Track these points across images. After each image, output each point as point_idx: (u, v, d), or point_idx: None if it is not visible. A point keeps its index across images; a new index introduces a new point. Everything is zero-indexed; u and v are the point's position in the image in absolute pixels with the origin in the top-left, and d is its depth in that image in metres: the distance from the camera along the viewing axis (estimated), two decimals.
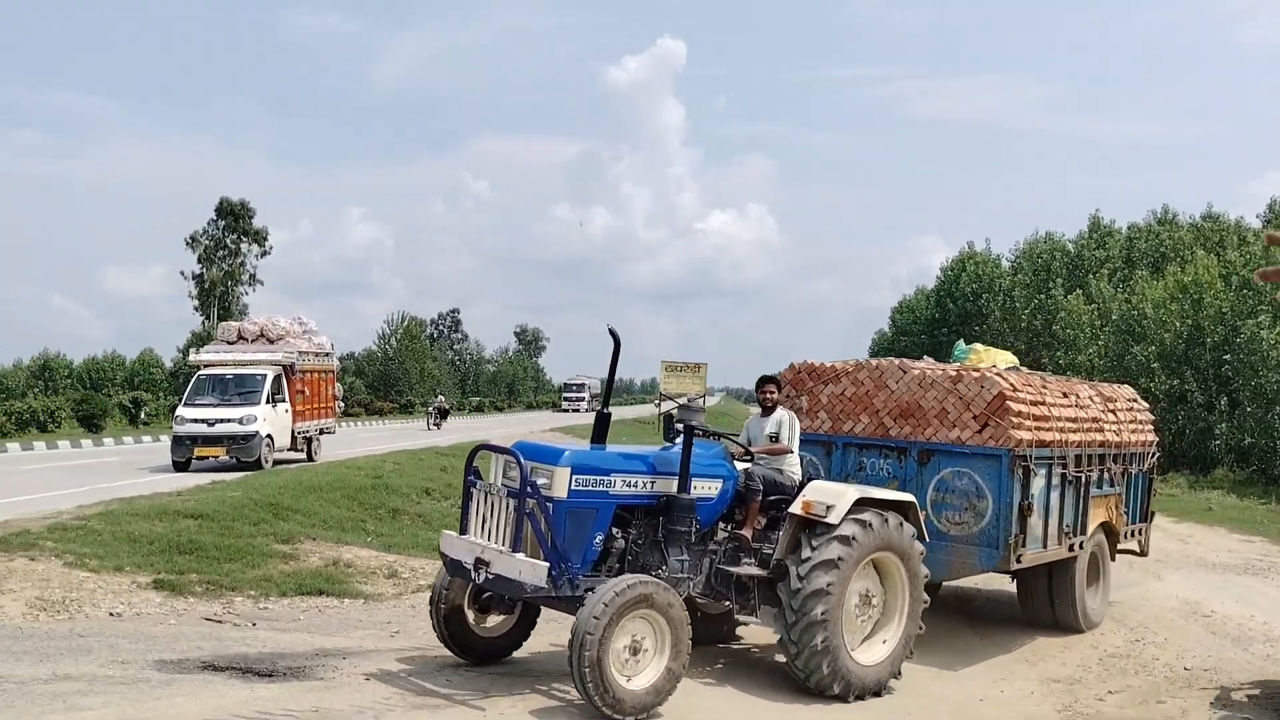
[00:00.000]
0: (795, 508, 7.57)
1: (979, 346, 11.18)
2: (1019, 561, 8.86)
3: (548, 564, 6.51)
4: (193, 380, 22.32)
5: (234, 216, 52.50)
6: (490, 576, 6.59)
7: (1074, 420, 9.77)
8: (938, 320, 48.78)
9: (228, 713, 5.93)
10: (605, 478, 6.91)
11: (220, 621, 8.78)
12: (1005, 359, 10.99)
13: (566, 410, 76.86)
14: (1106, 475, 10.42)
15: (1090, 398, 10.48)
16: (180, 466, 20.37)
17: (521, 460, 6.60)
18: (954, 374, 9.23)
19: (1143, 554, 11.77)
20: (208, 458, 20.62)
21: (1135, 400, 11.64)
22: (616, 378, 7.83)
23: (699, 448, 7.67)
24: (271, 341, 23.32)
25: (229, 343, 23.54)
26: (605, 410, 7.58)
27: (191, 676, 6.82)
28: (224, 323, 28.39)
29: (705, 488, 7.45)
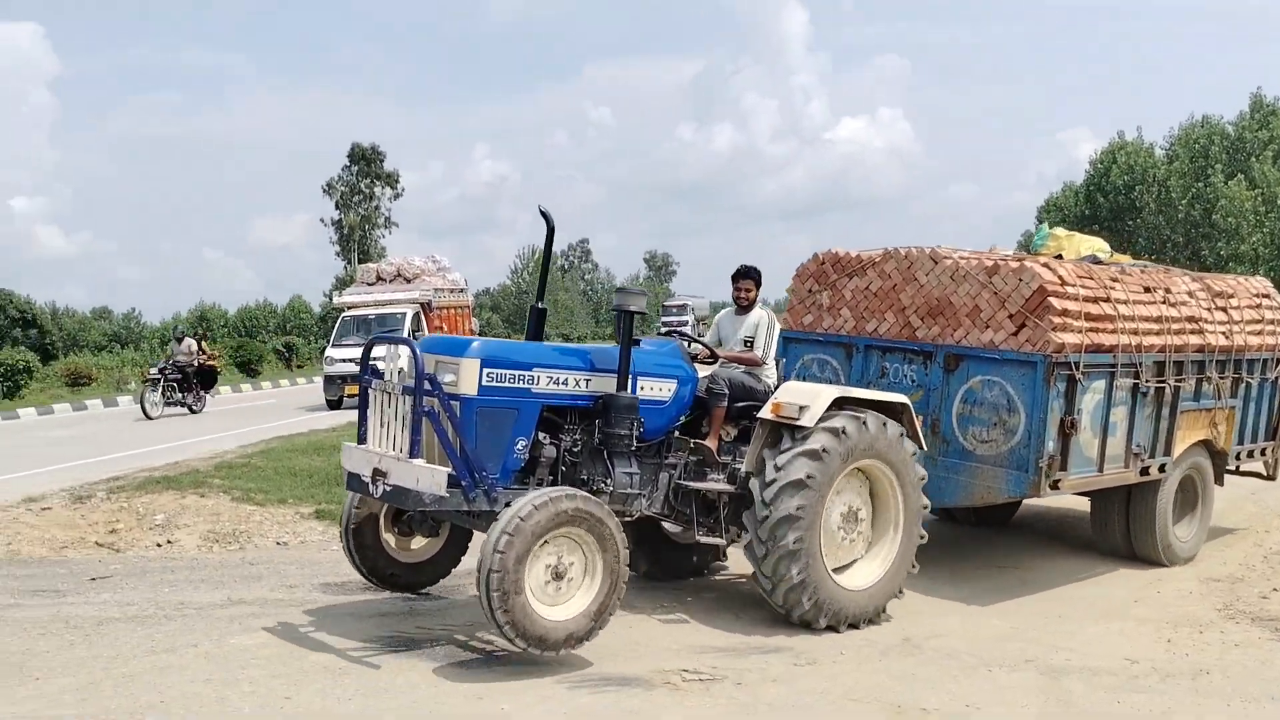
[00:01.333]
0: (765, 411, 6.65)
1: (1059, 232, 9.66)
2: (1055, 488, 7.64)
3: (447, 470, 5.74)
4: (338, 322, 23.43)
5: (366, 161, 53.89)
6: (388, 489, 5.87)
7: (1157, 320, 8.33)
8: (1087, 217, 45.35)
9: (390, 629, 6.45)
10: (526, 372, 6.07)
11: None
12: (1091, 246, 9.51)
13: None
14: (1208, 385, 8.93)
15: (1190, 293, 8.93)
16: (333, 405, 21.72)
17: (417, 351, 5.79)
18: (990, 265, 7.91)
19: (1270, 477, 10.23)
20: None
21: (1268, 296, 9.91)
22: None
23: (651, 346, 6.77)
24: (408, 281, 24.29)
25: (369, 284, 24.79)
26: (540, 305, 6.73)
27: (353, 597, 7.27)
28: (363, 265, 29.62)
29: (655, 389, 6.59)
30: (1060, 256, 8.71)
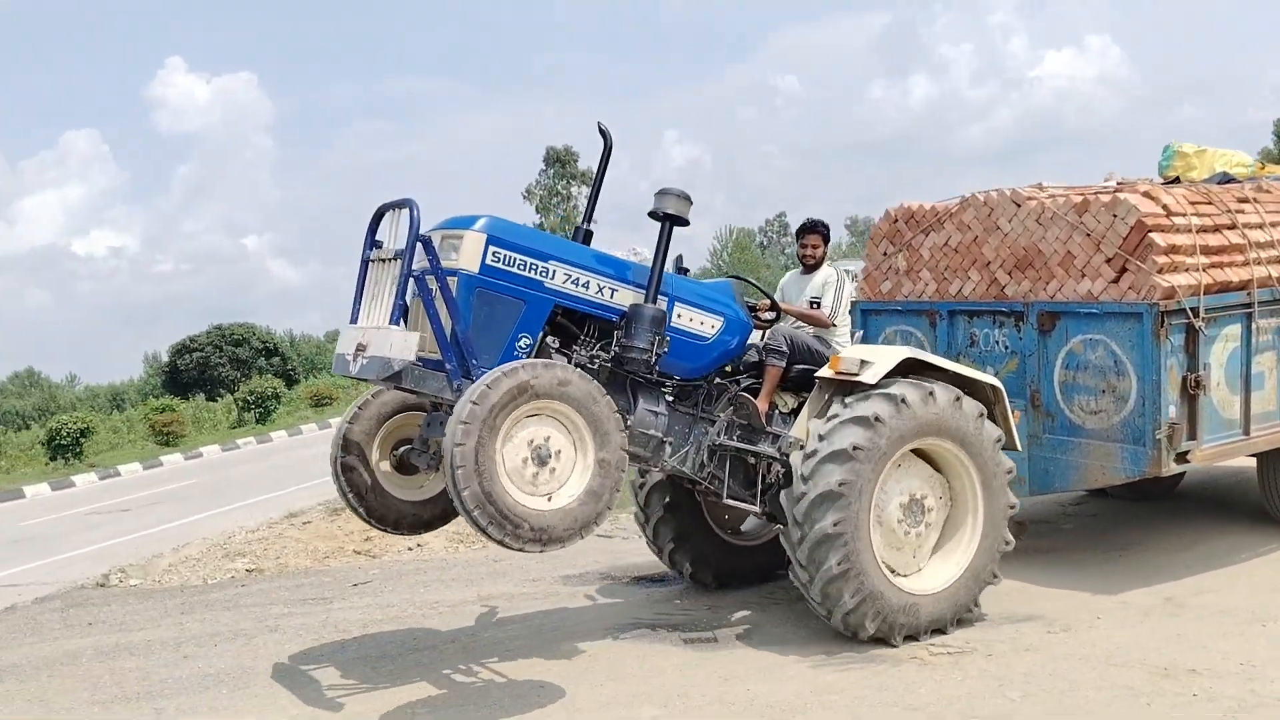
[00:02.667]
0: (824, 370, 5.90)
1: (1187, 148, 8.27)
2: (1182, 461, 6.46)
3: (420, 334, 5.13)
4: None
5: (560, 163, 55.67)
6: (364, 361, 5.20)
7: None
8: None
9: (631, 616, 6.67)
10: (541, 263, 5.41)
11: (610, 537, 9.44)
12: (1227, 160, 8.14)
13: None
14: None
15: None
16: None
17: (415, 210, 5.12)
18: (1079, 201, 6.76)
19: None
20: None
21: None
22: None
23: (713, 284, 6.09)
24: None
25: None
26: (587, 226, 5.98)
27: (591, 587, 7.65)
28: None
29: (695, 320, 5.87)
30: (1176, 180, 7.42)
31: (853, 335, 6.68)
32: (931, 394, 5.72)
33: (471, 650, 6.20)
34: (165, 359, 44.99)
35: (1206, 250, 6.55)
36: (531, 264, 5.39)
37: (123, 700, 5.76)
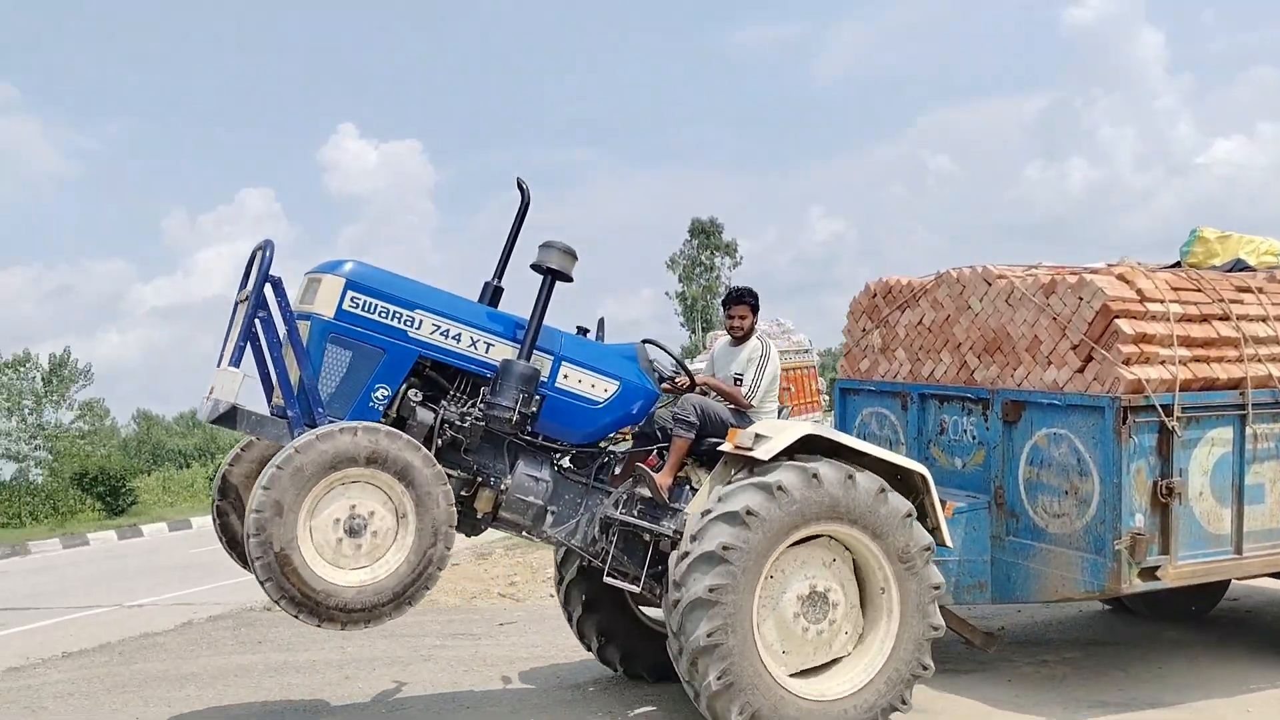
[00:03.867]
0: (724, 445, 5.51)
1: (1208, 233, 7.56)
2: (1149, 578, 5.75)
3: (244, 374, 4.94)
4: None
5: (705, 234, 57.19)
6: (208, 404, 5.03)
7: None
8: None
9: None
10: (406, 311, 5.19)
11: None
12: (1255, 248, 7.42)
13: None
14: None
15: None
16: None
17: (268, 250, 5.01)
18: (1047, 281, 6.22)
19: None
20: None
21: None
22: None
23: (611, 346, 5.79)
24: None
25: None
26: (496, 283, 5.75)
27: None
28: (711, 332, 30.79)
29: (585, 383, 5.54)
30: (1187, 266, 6.78)
31: (781, 412, 6.23)
32: (815, 476, 5.22)
33: (611, 692, 6.43)
34: None
35: (1188, 342, 5.92)
36: (395, 312, 5.17)
37: (292, 711, 6.29)
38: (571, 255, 5.42)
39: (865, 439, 7.51)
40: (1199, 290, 6.13)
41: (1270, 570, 6.25)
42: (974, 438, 6.64)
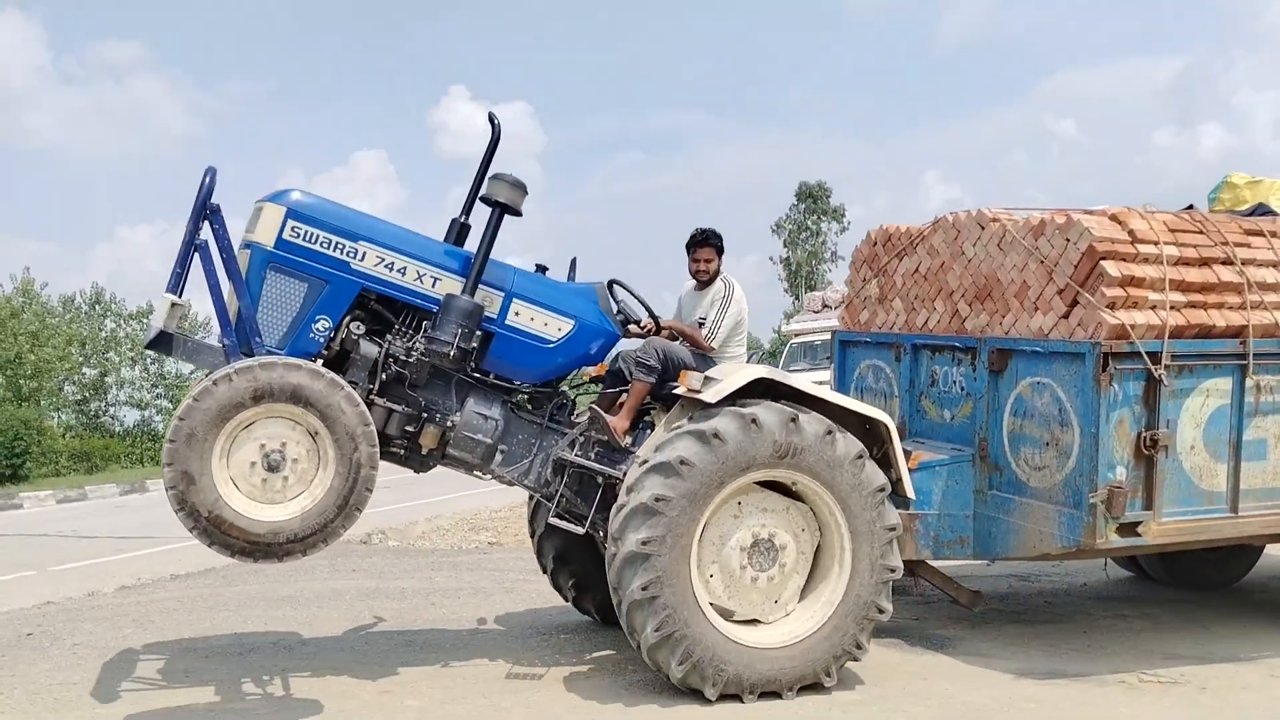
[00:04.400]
0: (679, 388, 5.38)
1: (1237, 178, 7.14)
2: (1129, 533, 5.48)
3: (174, 299, 4.94)
4: (786, 348, 24.24)
5: (813, 199, 56.48)
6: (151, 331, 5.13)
7: None
8: None
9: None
10: (349, 243, 5.16)
11: None
12: None
13: None
14: None
15: None
16: None
17: (206, 178, 4.96)
18: (1037, 224, 5.93)
19: None
20: None
21: None
22: None
23: (569, 285, 5.72)
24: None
25: (814, 312, 25.28)
26: (464, 220, 5.68)
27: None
28: (809, 293, 31.01)
29: (538, 321, 5.47)
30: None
31: (755, 356, 6.07)
32: (753, 421, 5.06)
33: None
34: None
35: (1184, 286, 5.60)
36: (338, 243, 5.15)
37: (381, 633, 6.63)
38: (521, 189, 5.34)
39: (862, 393, 7.36)
40: (1200, 233, 5.78)
41: (1270, 532, 5.91)
42: (962, 389, 6.40)
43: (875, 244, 7.39)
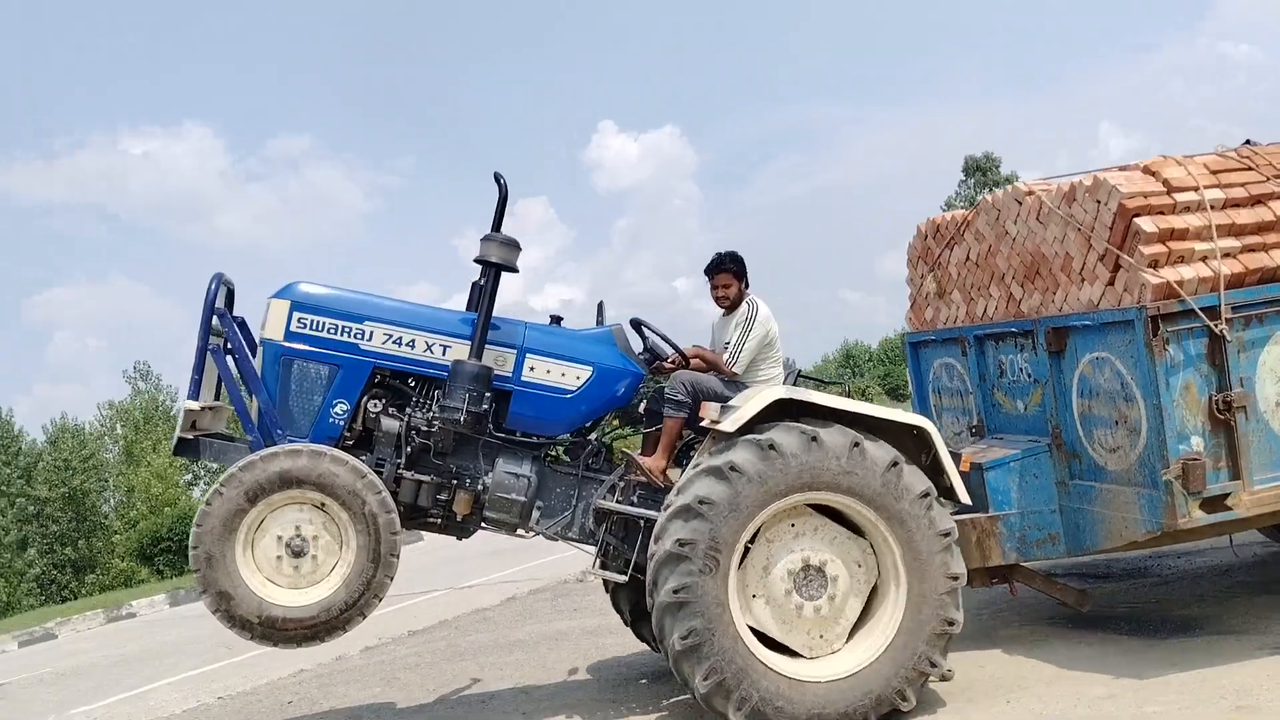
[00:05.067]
0: (704, 420, 5.32)
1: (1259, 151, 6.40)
2: (1218, 509, 5.01)
3: (202, 404, 5.20)
4: None
5: (981, 171, 55.36)
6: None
7: None
8: None
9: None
10: (354, 325, 5.33)
11: None
12: None
13: None
14: None
15: None
16: None
17: (212, 285, 5.25)
18: (1068, 190, 5.58)
19: None
20: None
21: None
22: None
23: (583, 332, 5.73)
24: None
25: None
26: (483, 283, 5.61)
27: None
28: None
29: (556, 373, 5.49)
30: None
31: (790, 376, 5.89)
32: (771, 447, 4.90)
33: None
34: None
35: (1237, 230, 5.15)
36: (344, 327, 5.34)
37: (608, 666, 6.88)
38: (513, 246, 5.40)
39: (940, 394, 7.07)
40: (1250, 169, 5.31)
41: None
42: (1029, 375, 6.05)
43: (926, 237, 7.11)
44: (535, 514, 5.52)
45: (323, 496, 4.85)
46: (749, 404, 5.10)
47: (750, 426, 5.04)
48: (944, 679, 5.37)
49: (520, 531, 5.62)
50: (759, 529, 5.03)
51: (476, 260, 5.42)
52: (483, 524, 5.57)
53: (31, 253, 69.44)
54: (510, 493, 5.45)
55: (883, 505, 4.98)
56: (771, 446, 4.91)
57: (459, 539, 5.70)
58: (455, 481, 5.43)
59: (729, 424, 5.04)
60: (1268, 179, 5.27)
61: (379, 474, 5.22)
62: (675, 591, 4.84)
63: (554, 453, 5.74)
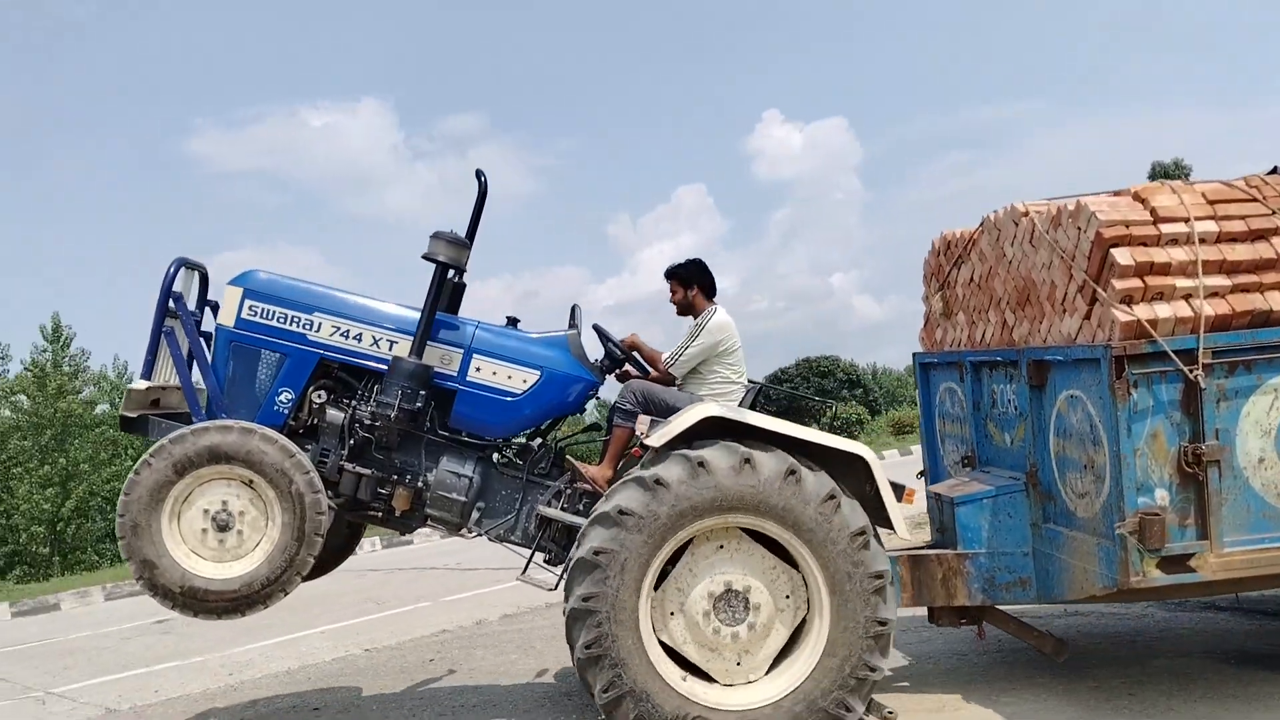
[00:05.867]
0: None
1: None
2: (1176, 570, 4.62)
3: (149, 384, 5.35)
4: None
5: (1166, 176, 54.15)
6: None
7: None
8: None
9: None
10: (304, 315, 5.42)
11: None
12: None
13: None
14: None
15: None
16: None
17: (170, 270, 5.34)
18: (1055, 213, 5.23)
19: None
20: None
21: None
22: None
23: (536, 336, 5.69)
24: None
25: None
26: (457, 280, 5.69)
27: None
28: None
29: (502, 375, 5.48)
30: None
31: (749, 394, 5.70)
32: (701, 464, 4.76)
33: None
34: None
35: (1229, 268, 4.73)
36: (293, 317, 5.40)
37: None
38: (461, 245, 5.38)
39: (943, 419, 6.77)
40: (1254, 200, 4.87)
41: None
42: (1016, 408, 5.72)
43: (938, 254, 6.79)
44: (475, 514, 5.51)
45: (250, 473, 4.94)
46: (680, 419, 4.97)
47: (690, 442, 4.91)
48: None
49: (464, 533, 5.62)
50: (685, 546, 4.91)
51: (424, 257, 5.42)
52: (426, 521, 5.59)
53: (211, 217, 73.29)
54: (451, 492, 5.46)
55: (812, 538, 4.78)
56: (702, 464, 4.77)
57: (401, 534, 5.75)
58: (396, 477, 5.46)
59: (656, 439, 4.92)
60: (1273, 212, 4.82)
61: (323, 465, 5.31)
62: (584, 599, 4.76)
63: (506, 456, 5.72)
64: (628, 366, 5.72)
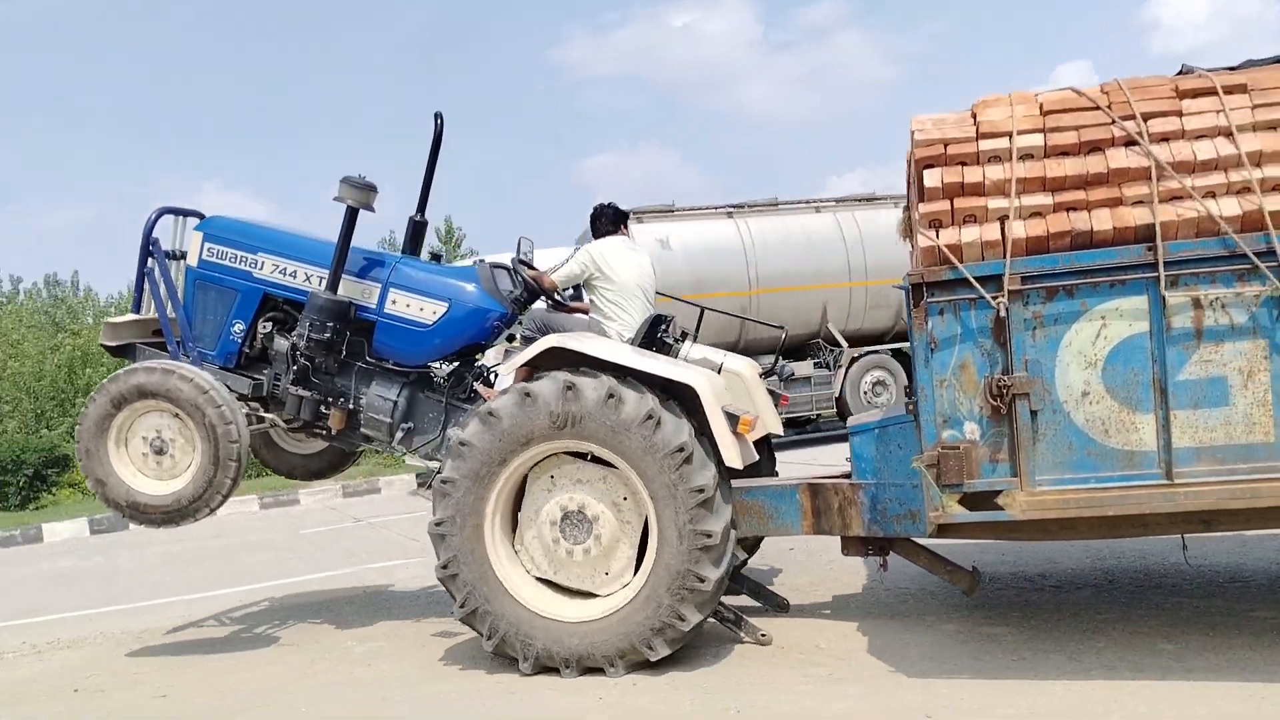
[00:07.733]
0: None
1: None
2: (983, 507, 4.45)
3: (133, 317, 6.36)
4: None
5: None
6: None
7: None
8: None
9: None
10: (250, 255, 6.25)
11: None
12: None
13: None
14: None
15: None
16: None
17: (151, 216, 6.30)
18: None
19: None
20: None
21: None
22: None
23: (450, 269, 6.32)
24: None
25: None
26: (419, 218, 6.47)
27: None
28: None
29: (415, 307, 6.09)
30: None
31: (643, 327, 5.90)
32: (529, 394, 5.14)
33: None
34: None
35: (1053, 185, 4.40)
36: (241, 256, 6.25)
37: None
38: (369, 189, 5.93)
39: None
40: (1096, 109, 4.44)
41: (1239, 504, 4.28)
42: None
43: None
44: (399, 434, 6.19)
45: (172, 407, 5.84)
46: (523, 352, 5.32)
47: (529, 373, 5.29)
48: (760, 643, 5.38)
49: (392, 449, 6.28)
50: (529, 472, 5.31)
51: (335, 199, 6.03)
52: (364, 440, 6.32)
53: (579, 121, 78.03)
54: (379, 413, 6.18)
55: (633, 457, 5.06)
56: (528, 394, 5.14)
57: (346, 450, 6.55)
58: (333, 399, 6.22)
59: (504, 369, 5.32)
60: (1113, 121, 4.39)
61: (276, 388, 6.16)
62: (438, 524, 5.34)
63: (438, 380, 6.30)
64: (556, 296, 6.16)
